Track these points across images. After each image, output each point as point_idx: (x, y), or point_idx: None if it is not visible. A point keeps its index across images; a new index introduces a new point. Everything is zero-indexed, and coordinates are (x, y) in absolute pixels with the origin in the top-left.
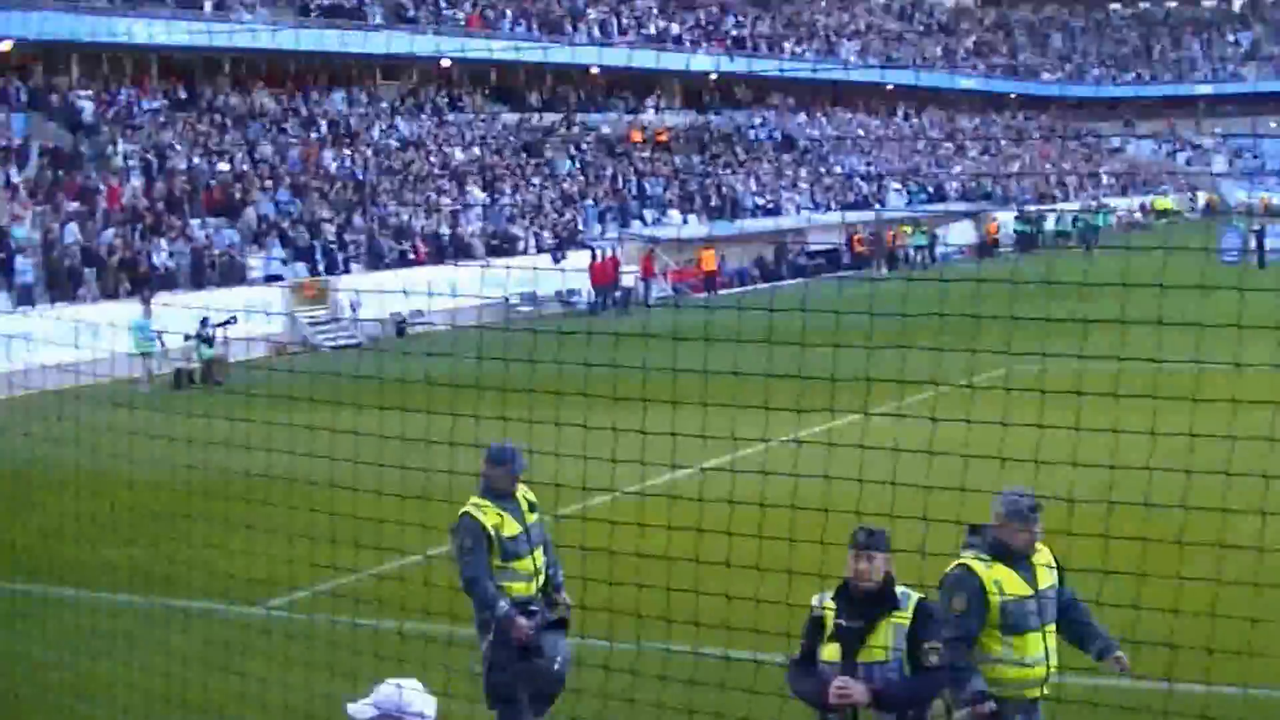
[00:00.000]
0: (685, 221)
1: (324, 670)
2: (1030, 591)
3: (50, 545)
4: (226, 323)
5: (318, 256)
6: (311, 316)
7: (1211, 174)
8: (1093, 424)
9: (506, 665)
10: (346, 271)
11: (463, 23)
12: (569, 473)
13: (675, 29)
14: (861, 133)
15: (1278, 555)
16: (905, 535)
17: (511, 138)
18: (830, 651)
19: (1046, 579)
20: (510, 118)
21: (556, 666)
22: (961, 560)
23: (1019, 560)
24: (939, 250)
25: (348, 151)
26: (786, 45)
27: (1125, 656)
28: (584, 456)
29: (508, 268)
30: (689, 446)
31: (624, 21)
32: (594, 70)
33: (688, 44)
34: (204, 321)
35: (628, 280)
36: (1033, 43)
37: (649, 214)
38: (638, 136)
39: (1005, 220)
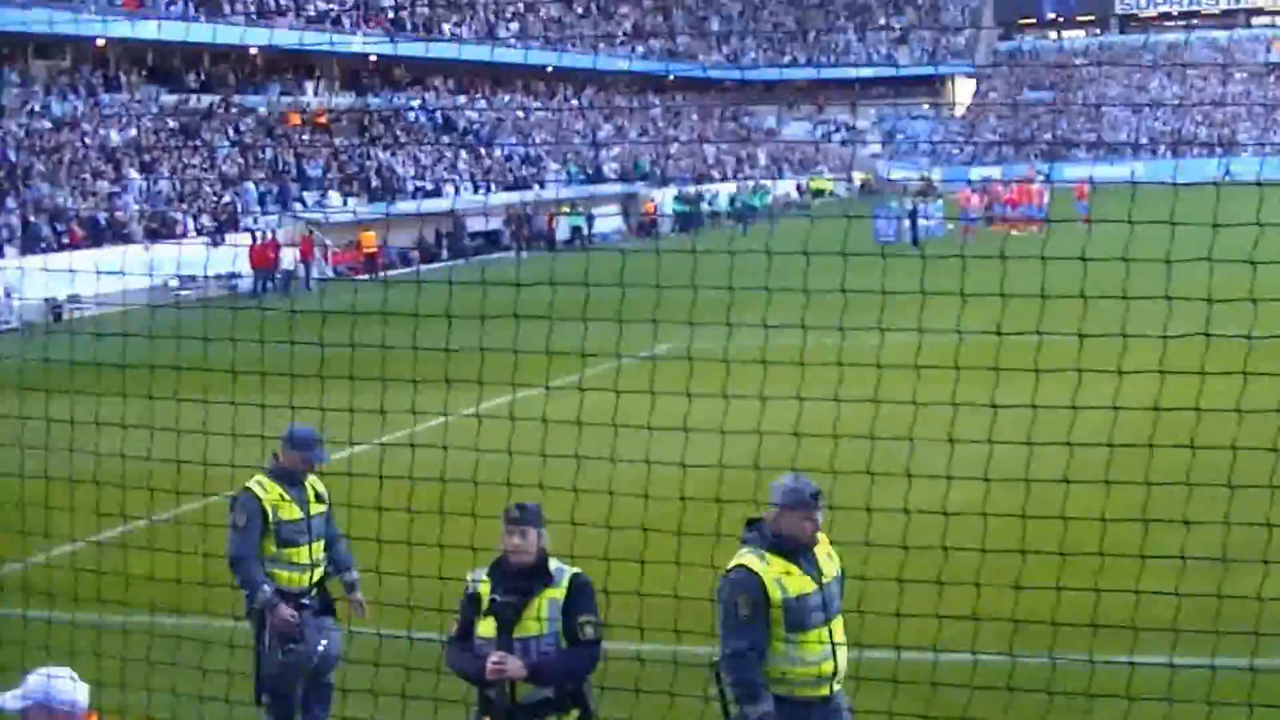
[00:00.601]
0: (345, 203)
1: None
2: (815, 586)
3: None
4: None
5: None
6: None
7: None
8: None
9: (272, 654)
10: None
11: (119, 3)
12: (248, 454)
13: (334, 10)
14: (521, 114)
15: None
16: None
17: (169, 119)
18: (486, 627)
19: (831, 570)
20: (168, 99)
21: (314, 661)
22: (739, 561)
23: (802, 553)
24: (596, 231)
25: None
26: (446, 27)
27: None
28: (262, 437)
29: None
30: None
31: (283, 2)
32: (253, 51)
33: (347, 25)
34: None
35: (288, 263)
36: (691, 25)
37: (309, 196)
38: (296, 119)
39: (664, 200)
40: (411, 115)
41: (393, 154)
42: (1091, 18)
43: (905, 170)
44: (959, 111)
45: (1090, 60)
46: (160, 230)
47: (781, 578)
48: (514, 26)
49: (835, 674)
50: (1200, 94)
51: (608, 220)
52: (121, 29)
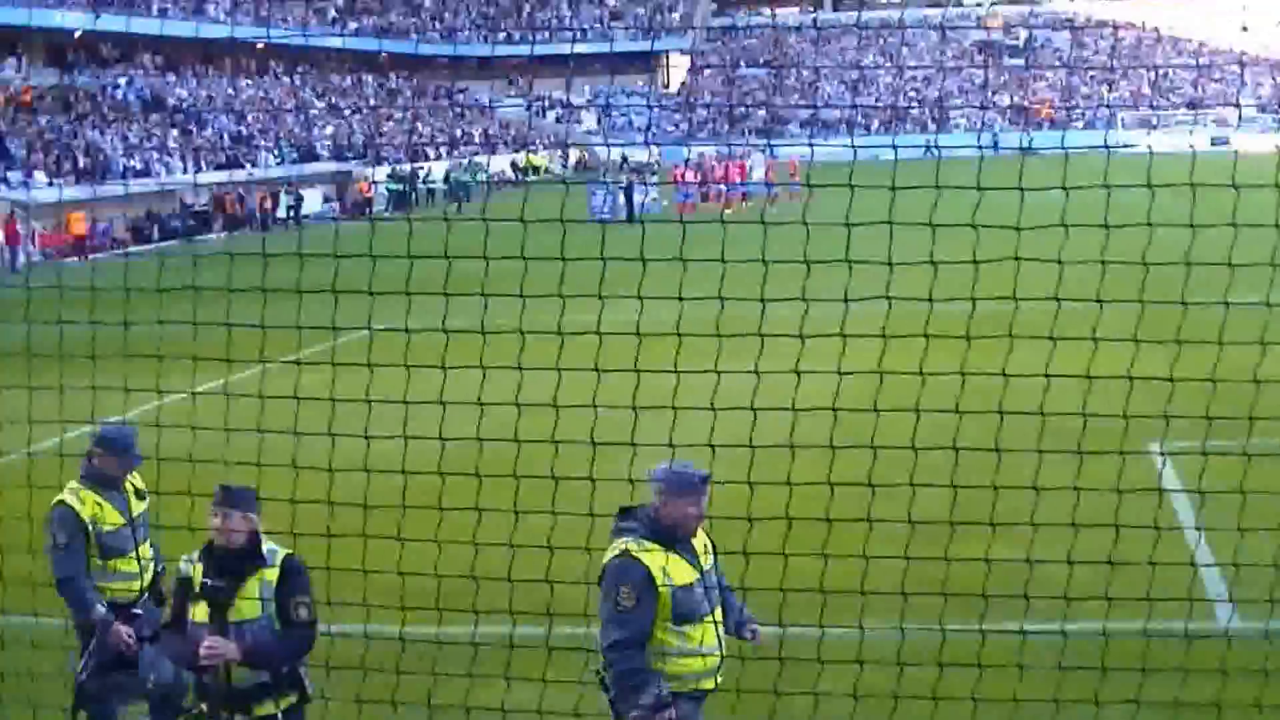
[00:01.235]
0: (52, 184)
1: None
2: (696, 575)
3: None
4: None
5: None
6: None
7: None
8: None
9: (102, 673)
10: None
11: None
12: None
13: None
14: (232, 92)
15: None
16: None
17: None
18: (199, 611)
19: (707, 559)
20: None
21: (149, 686)
22: (622, 547)
23: (683, 542)
24: (309, 210)
25: None
26: (153, 4)
27: (759, 629)
28: None
29: None
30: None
31: None
32: None
33: (51, 0)
34: None
35: None
36: (405, 2)
37: (14, 176)
38: None
39: (378, 179)
40: (119, 93)
41: (100, 133)
42: None
43: (621, 147)
44: (674, 88)
45: (804, 38)
46: None
47: (666, 566)
48: (224, 2)
49: (720, 665)
50: (913, 72)
51: (321, 200)
52: None
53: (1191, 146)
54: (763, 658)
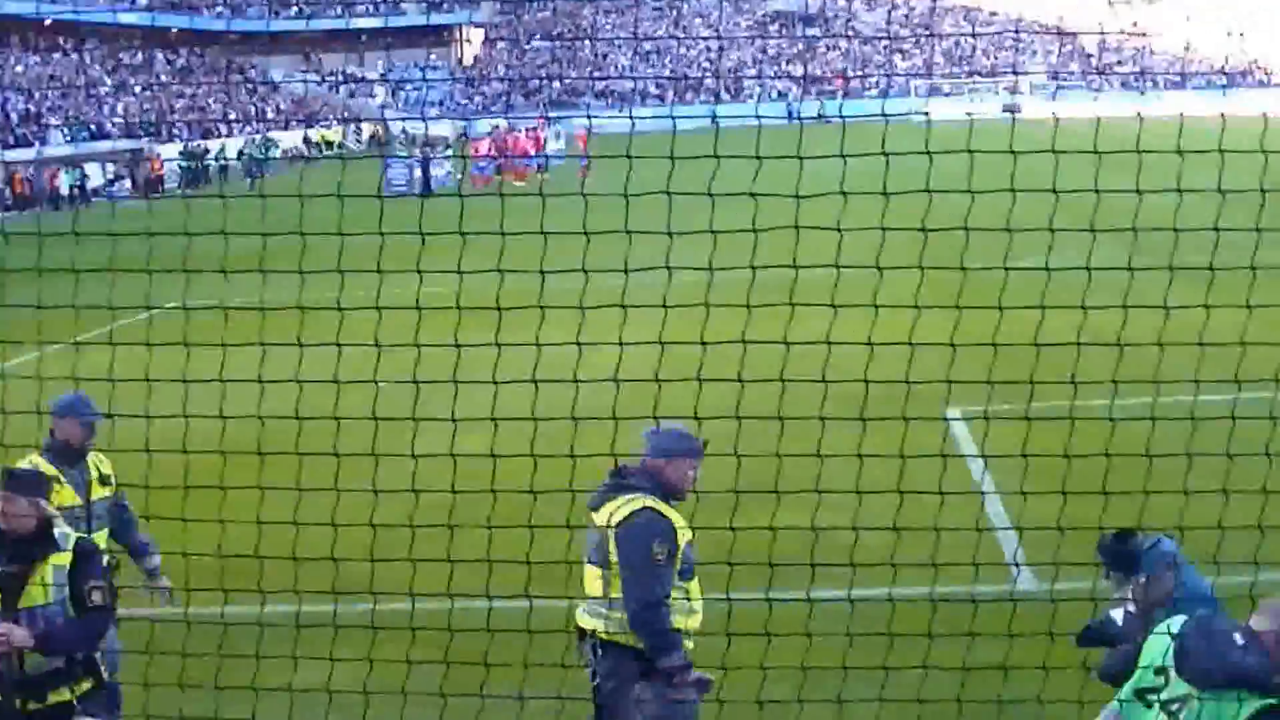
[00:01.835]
0: None
1: None
2: (692, 532)
3: None
4: None
5: None
6: None
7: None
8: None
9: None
10: None
11: None
12: None
13: None
14: (20, 70)
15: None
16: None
17: None
18: None
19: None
20: None
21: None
22: (642, 503)
23: (678, 503)
24: (102, 188)
25: None
26: None
27: None
28: None
29: None
30: None
31: None
32: None
33: None
34: None
35: None
36: None
37: None
38: None
39: (169, 156)
40: None
41: None
42: None
43: (414, 121)
44: (468, 61)
45: (596, 10)
46: None
47: (678, 523)
48: None
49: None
50: (706, 41)
51: (103, 176)
52: None
53: (969, 114)
54: (548, 631)
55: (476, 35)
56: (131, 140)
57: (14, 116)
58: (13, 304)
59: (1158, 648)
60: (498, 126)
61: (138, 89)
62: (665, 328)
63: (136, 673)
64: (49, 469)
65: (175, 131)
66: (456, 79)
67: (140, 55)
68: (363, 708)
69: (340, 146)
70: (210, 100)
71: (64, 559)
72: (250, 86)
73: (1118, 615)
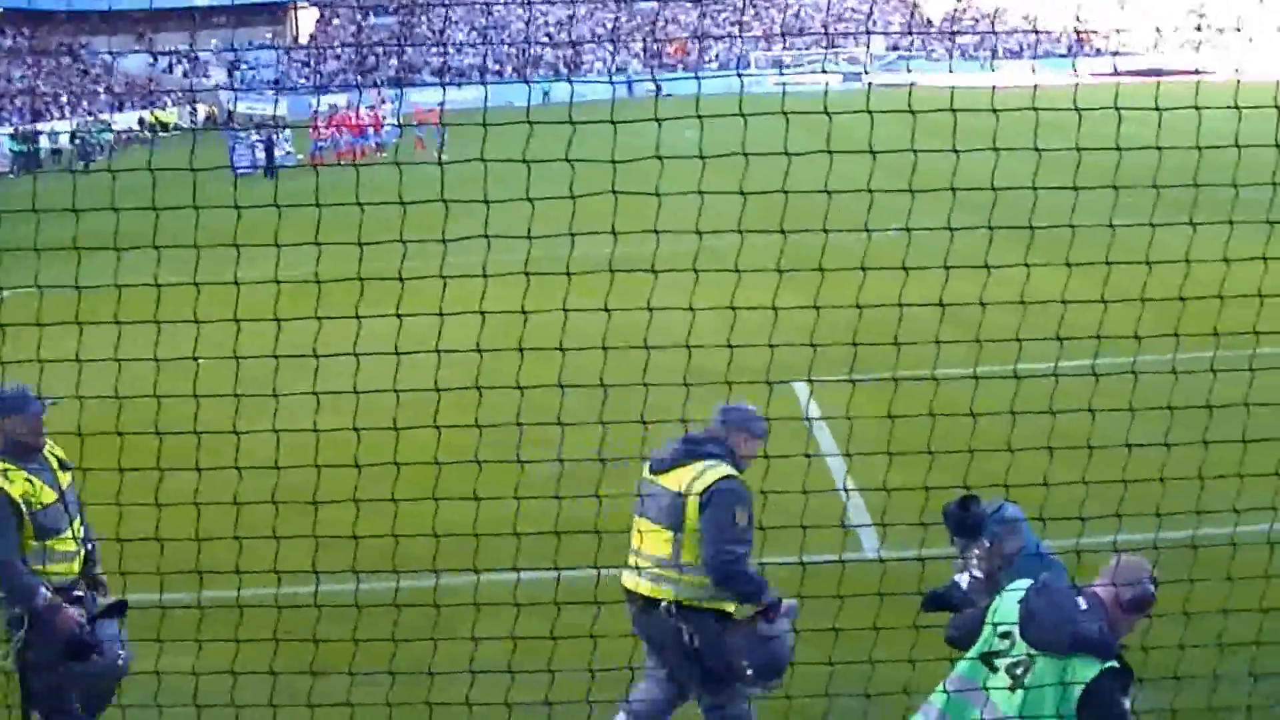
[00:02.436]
0: None
1: None
2: None
3: None
4: None
5: None
6: None
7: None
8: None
9: (54, 666)
10: None
11: None
12: None
13: None
14: None
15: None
16: None
17: None
18: None
19: None
20: None
21: (120, 663)
22: (726, 471)
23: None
24: None
25: None
26: None
27: None
28: None
29: None
30: None
31: None
32: None
33: None
34: None
35: None
36: None
37: None
38: None
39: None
40: None
41: None
42: None
43: (252, 101)
44: (304, 38)
45: None
46: None
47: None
48: None
49: None
50: (545, 16)
51: None
52: None
53: (826, 83)
54: (415, 605)
55: (312, 12)
56: None
57: None
58: None
59: (1003, 611)
60: (335, 104)
61: None
62: (526, 297)
63: None
64: (18, 474)
65: (4, 114)
66: (294, 57)
67: None
68: (230, 690)
69: (176, 128)
70: (39, 82)
71: None
72: (81, 67)
73: (963, 580)
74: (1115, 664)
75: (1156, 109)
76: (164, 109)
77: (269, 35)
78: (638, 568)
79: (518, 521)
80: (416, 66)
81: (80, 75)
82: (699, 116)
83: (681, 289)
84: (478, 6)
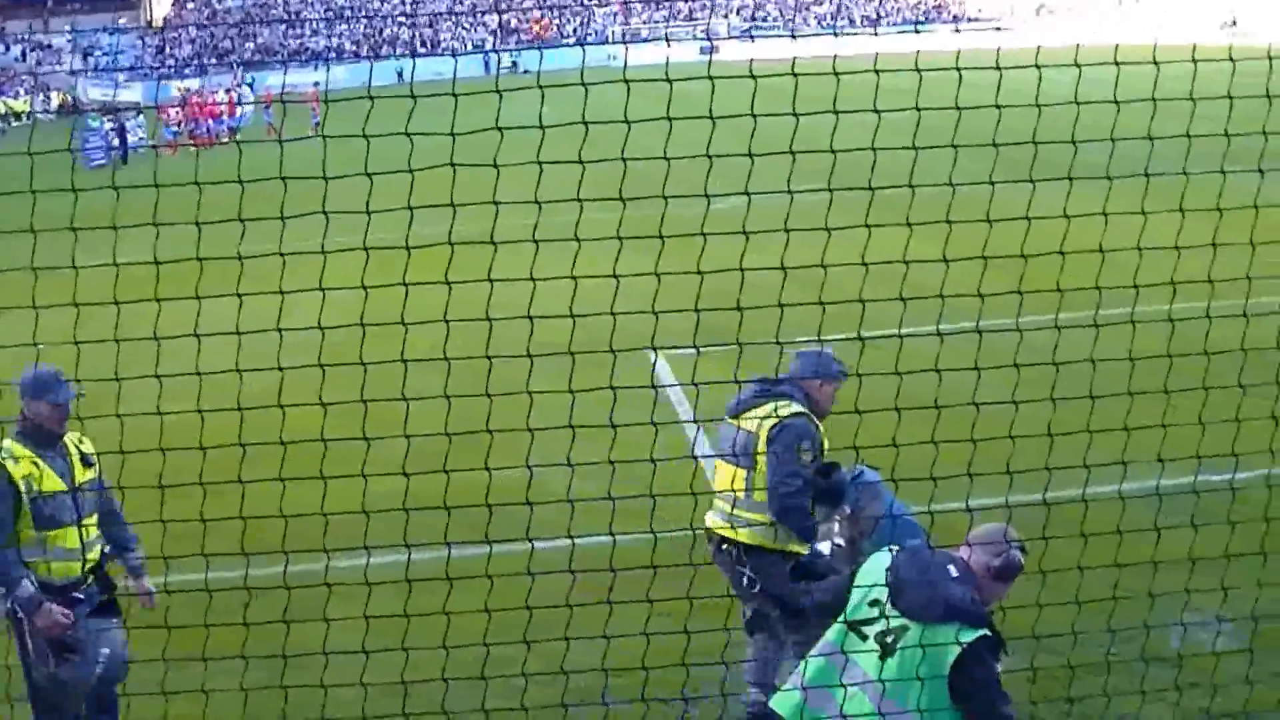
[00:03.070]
0: None
1: None
2: None
3: None
4: None
5: None
6: None
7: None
8: None
9: (40, 664)
10: None
11: None
12: None
13: None
14: None
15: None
16: None
17: None
18: None
19: None
20: None
21: (99, 670)
22: (796, 408)
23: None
24: None
25: None
26: None
27: None
28: None
29: None
30: None
31: None
32: None
33: None
34: None
35: None
36: None
37: None
38: None
39: None
40: None
41: None
42: None
43: (105, 87)
44: (157, 22)
45: None
46: None
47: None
48: None
49: None
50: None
51: None
52: None
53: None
54: (269, 587)
55: None
56: None
57: None
58: None
59: (869, 579)
60: (189, 90)
61: None
62: (365, 273)
63: None
64: (26, 456)
65: None
66: (146, 42)
67: None
68: None
69: (29, 116)
70: None
71: None
72: None
73: (825, 548)
74: (987, 631)
75: (998, 68)
76: (15, 98)
77: (122, 20)
78: (716, 507)
79: (365, 500)
80: (272, 50)
81: None
82: (540, 87)
83: (523, 260)
84: None
